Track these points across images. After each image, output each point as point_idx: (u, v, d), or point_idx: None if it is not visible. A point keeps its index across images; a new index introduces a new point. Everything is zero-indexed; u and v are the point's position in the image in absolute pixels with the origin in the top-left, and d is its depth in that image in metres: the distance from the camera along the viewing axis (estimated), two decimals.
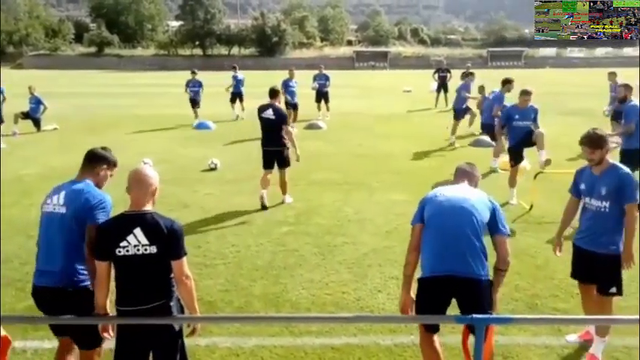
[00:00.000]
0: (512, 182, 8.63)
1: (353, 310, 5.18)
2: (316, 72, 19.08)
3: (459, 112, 14.45)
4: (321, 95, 18.55)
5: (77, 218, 3.44)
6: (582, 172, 4.49)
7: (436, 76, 23.34)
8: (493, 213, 3.69)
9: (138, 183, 3.31)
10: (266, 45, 67.97)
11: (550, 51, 72.13)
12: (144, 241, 3.15)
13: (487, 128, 12.37)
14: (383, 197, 8.93)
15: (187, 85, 18.41)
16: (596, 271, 4.27)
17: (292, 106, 16.68)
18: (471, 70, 16.88)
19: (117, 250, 3.15)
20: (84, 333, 3.52)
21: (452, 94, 22.63)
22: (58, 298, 3.44)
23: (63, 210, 3.47)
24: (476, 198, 3.72)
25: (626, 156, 7.80)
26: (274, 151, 8.52)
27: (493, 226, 3.68)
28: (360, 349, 4.51)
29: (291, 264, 6.28)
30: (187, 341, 4.65)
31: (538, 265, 6.17)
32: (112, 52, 68.22)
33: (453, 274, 3.53)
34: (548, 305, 5.20)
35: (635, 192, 4.13)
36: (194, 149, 13.30)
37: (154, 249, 3.16)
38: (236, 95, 19.31)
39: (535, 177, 8.23)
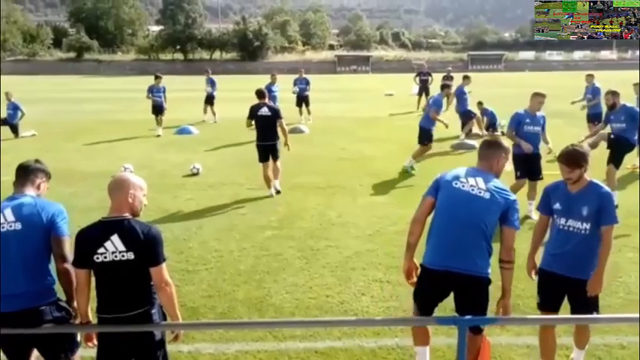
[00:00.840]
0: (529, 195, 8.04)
1: (337, 314, 5.17)
2: (296, 76, 19.09)
3: (465, 113, 15.10)
4: (302, 99, 18.57)
5: (36, 233, 3.30)
6: (555, 189, 3.98)
7: (417, 79, 23.51)
8: (507, 208, 3.60)
9: (116, 188, 3.25)
10: (248, 49, 67.88)
11: (529, 54, 73.21)
12: (121, 247, 3.10)
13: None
14: (366, 200, 8.95)
15: (150, 91, 16.91)
16: (575, 299, 3.91)
17: None
18: (467, 74, 17.16)
19: (95, 257, 3.11)
20: (59, 345, 3.39)
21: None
22: (28, 319, 3.26)
23: (17, 226, 3.30)
24: (492, 194, 3.60)
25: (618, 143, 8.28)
26: (270, 145, 9.27)
27: (505, 218, 3.60)
28: (344, 353, 4.50)
29: (275, 268, 6.25)
30: (170, 348, 4.63)
31: (519, 265, 6.14)
32: (91, 57, 67.54)
33: (449, 269, 3.57)
34: (530, 305, 5.23)
35: (615, 213, 3.80)
36: (175, 154, 13.20)
37: (131, 255, 3.11)
38: (209, 98, 19.31)
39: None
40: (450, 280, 3.60)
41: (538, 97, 7.87)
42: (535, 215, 8.01)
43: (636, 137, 8.45)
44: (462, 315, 3.53)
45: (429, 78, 23.19)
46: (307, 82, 18.67)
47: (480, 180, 3.66)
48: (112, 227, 3.14)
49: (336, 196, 9.30)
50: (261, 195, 9.34)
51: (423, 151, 11.21)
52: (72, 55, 68.76)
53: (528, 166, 7.93)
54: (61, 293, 3.44)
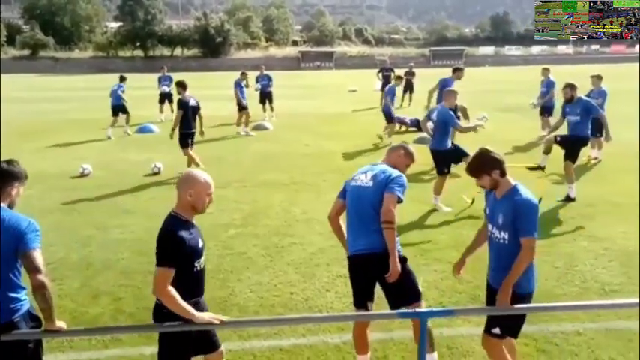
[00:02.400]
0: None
1: (301, 311, 5.18)
2: (257, 73, 18.87)
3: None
4: (265, 96, 18.42)
5: (6, 249, 3.08)
6: (489, 193, 3.73)
7: (380, 75, 23.69)
8: (387, 182, 3.94)
9: (178, 185, 3.33)
10: (209, 46, 67.05)
11: (489, 49, 74.63)
12: None
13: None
14: (330, 197, 8.87)
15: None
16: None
17: (244, 107, 16.24)
18: (460, 66, 17.30)
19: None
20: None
21: (399, 93, 23.11)
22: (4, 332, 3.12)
23: None
24: (375, 181, 4.01)
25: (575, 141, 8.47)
26: (194, 132, 10.63)
27: (385, 188, 3.91)
28: (309, 349, 4.51)
29: (239, 267, 6.21)
30: (132, 351, 4.56)
31: (479, 256, 6.31)
32: (47, 55, 65.43)
33: (357, 252, 3.97)
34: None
35: (531, 224, 3.41)
36: (136, 154, 12.95)
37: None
38: (165, 96, 18.93)
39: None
40: (362, 261, 3.94)
41: (455, 94, 8.77)
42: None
43: (589, 131, 8.67)
44: (388, 293, 3.93)
45: (392, 73, 23.39)
46: (269, 79, 18.53)
47: (368, 173, 4.09)
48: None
49: (300, 192, 9.30)
50: (225, 193, 9.25)
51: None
52: (26, 52, 66.54)
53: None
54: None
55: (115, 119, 15.79)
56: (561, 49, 74.98)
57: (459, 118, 9.69)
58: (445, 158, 8.36)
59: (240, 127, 15.87)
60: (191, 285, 3.29)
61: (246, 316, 5.09)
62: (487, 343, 3.64)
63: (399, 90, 22.75)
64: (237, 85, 16.21)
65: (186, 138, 10.48)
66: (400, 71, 24.07)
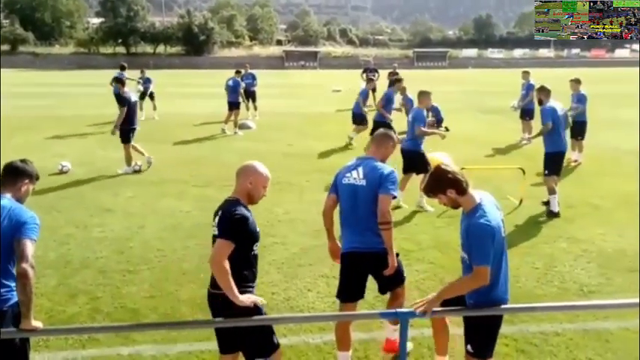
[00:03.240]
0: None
1: (283, 311, 5.15)
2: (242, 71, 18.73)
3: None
4: (249, 95, 18.31)
5: (4, 238, 3.17)
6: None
7: (364, 75, 23.73)
8: (381, 180, 3.99)
9: (239, 173, 3.61)
10: (193, 43, 66.57)
11: (472, 52, 75.31)
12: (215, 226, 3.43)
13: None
14: (313, 197, 8.94)
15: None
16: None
17: (236, 105, 16.17)
18: (399, 77, 17.39)
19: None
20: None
21: (379, 94, 23.18)
22: None
23: None
24: (367, 179, 4.05)
25: (549, 159, 8.07)
26: (134, 129, 10.87)
27: (379, 187, 3.97)
28: (290, 349, 4.48)
29: None
30: (109, 350, 4.49)
31: (458, 258, 6.37)
32: (26, 50, 64.34)
33: (354, 249, 4.05)
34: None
35: (481, 251, 3.17)
36: (116, 151, 12.74)
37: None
38: (144, 94, 18.78)
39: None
40: (358, 259, 4.02)
41: (429, 95, 8.65)
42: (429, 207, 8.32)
43: (562, 141, 8.18)
44: (382, 287, 4.15)
45: (376, 74, 23.48)
46: (254, 78, 18.43)
47: (360, 170, 4.11)
48: (221, 206, 3.47)
49: (283, 192, 9.25)
50: (207, 192, 9.18)
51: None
52: (5, 47, 65.32)
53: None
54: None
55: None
56: (543, 52, 75.96)
57: (435, 119, 9.65)
58: (411, 159, 8.27)
59: (227, 125, 15.78)
60: (247, 268, 3.41)
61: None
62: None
63: (383, 90, 22.89)
64: (237, 83, 16.13)
65: (127, 133, 10.69)
66: (384, 72, 24.23)
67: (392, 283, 4.14)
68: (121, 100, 10.98)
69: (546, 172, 8.10)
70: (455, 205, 3.36)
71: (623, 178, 10.31)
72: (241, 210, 3.34)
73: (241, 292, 3.24)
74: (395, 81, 12.07)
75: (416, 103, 9.27)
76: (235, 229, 3.26)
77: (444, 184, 3.28)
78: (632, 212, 8.11)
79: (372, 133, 11.78)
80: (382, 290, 4.24)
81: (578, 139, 11.48)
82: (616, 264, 6.19)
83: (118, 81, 11.11)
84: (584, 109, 11.44)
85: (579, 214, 8.04)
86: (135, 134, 10.92)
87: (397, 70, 23.26)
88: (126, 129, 10.67)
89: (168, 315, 5.08)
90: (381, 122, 11.57)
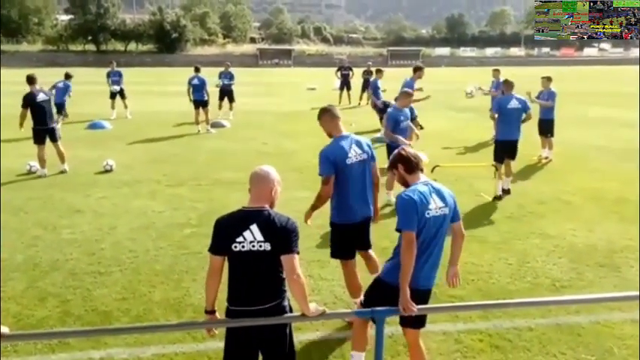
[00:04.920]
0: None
1: None
2: (222, 69, 18.40)
3: (382, 107, 15.33)
4: (226, 93, 18.08)
5: None
6: None
7: (339, 74, 23.78)
8: (370, 148, 4.90)
9: (260, 180, 3.26)
10: (165, 41, 65.63)
11: (444, 50, 76.03)
12: (259, 237, 3.08)
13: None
14: (286, 195, 8.80)
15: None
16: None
17: (203, 103, 15.91)
18: (380, 68, 17.50)
19: (233, 246, 3.10)
20: None
21: (355, 92, 23.28)
22: None
23: None
24: (363, 146, 4.86)
25: (502, 145, 8.66)
26: (50, 128, 10.20)
27: (373, 157, 4.92)
28: None
29: (194, 267, 6.06)
30: (80, 355, 4.39)
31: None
32: None
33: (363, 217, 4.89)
34: (446, 293, 5.40)
35: (399, 217, 3.51)
36: (86, 150, 12.51)
37: (267, 246, 3.08)
38: (115, 93, 18.39)
39: (432, 170, 8.55)
40: (364, 224, 4.83)
41: (408, 96, 8.50)
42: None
43: (509, 131, 8.69)
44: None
45: (350, 72, 23.55)
46: (232, 77, 18.14)
47: (357, 148, 4.75)
48: (252, 217, 3.13)
49: None
50: (180, 192, 9.06)
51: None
52: None
53: None
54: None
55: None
56: (514, 51, 77.19)
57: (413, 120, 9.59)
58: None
59: (200, 125, 15.55)
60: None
61: (201, 318, 4.96)
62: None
63: (357, 88, 22.99)
64: (203, 81, 15.80)
65: (37, 134, 10.13)
66: (358, 70, 24.30)
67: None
68: (25, 99, 10.20)
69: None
70: (404, 183, 3.72)
71: (592, 174, 10.54)
72: (289, 218, 3.20)
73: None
74: (416, 69, 11.66)
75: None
76: (297, 240, 3.17)
77: (396, 159, 3.73)
78: (602, 208, 8.30)
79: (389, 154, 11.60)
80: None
81: (548, 137, 11.67)
82: (586, 259, 6.30)
83: (28, 79, 10.27)
84: (553, 105, 11.64)
85: (550, 210, 8.18)
86: (54, 135, 10.30)
87: (371, 69, 23.36)
88: (34, 129, 10.18)
89: (141, 317, 4.98)
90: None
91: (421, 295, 3.57)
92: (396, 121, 8.21)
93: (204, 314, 3.37)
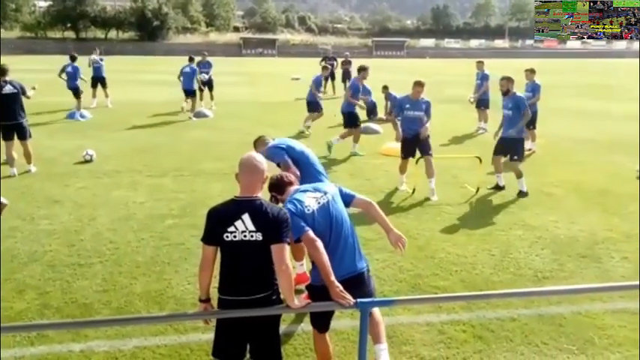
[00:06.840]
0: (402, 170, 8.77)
1: None
2: (199, 59, 18.22)
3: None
4: (205, 83, 17.92)
5: None
6: None
7: (323, 63, 23.64)
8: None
9: (251, 170, 3.20)
10: (146, 29, 64.86)
11: (429, 42, 76.22)
12: (251, 227, 3.05)
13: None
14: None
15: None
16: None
17: (192, 92, 16.26)
18: (365, 66, 17.50)
19: (225, 235, 3.07)
20: None
21: (338, 82, 23.20)
22: None
23: None
24: None
25: (505, 143, 8.56)
26: (16, 124, 9.26)
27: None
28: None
29: (176, 258, 5.98)
30: (59, 347, 4.30)
31: (420, 245, 6.42)
32: None
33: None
34: (430, 284, 5.43)
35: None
36: (66, 140, 12.29)
37: (259, 236, 3.05)
38: (97, 80, 18.10)
39: (417, 162, 8.56)
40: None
41: (417, 87, 8.38)
42: (403, 187, 8.65)
43: (520, 126, 8.57)
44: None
45: (335, 63, 23.48)
46: (210, 66, 18.03)
47: None
48: (244, 207, 3.09)
49: None
50: (162, 182, 8.94)
51: (351, 133, 11.53)
52: None
53: (416, 146, 8.51)
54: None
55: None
56: (498, 43, 77.63)
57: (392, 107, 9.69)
58: (403, 144, 8.62)
59: (190, 113, 15.91)
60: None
61: (184, 310, 4.91)
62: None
63: (339, 78, 22.93)
64: (194, 70, 16.25)
65: (2, 130, 9.24)
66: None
67: None
68: None
69: (516, 157, 8.60)
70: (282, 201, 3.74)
71: (574, 166, 10.63)
72: (280, 208, 3.19)
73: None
74: (360, 69, 11.88)
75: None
76: (288, 230, 3.16)
77: (270, 189, 3.80)
78: (584, 200, 8.38)
79: (344, 124, 11.77)
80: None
81: (531, 129, 11.72)
82: (568, 250, 6.36)
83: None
84: (537, 98, 11.69)
85: (533, 202, 8.23)
86: (23, 131, 9.37)
87: (350, 59, 23.34)
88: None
89: (122, 309, 4.90)
90: (349, 112, 11.65)
91: (353, 281, 3.57)
92: (400, 108, 8.54)
93: (199, 302, 3.33)
